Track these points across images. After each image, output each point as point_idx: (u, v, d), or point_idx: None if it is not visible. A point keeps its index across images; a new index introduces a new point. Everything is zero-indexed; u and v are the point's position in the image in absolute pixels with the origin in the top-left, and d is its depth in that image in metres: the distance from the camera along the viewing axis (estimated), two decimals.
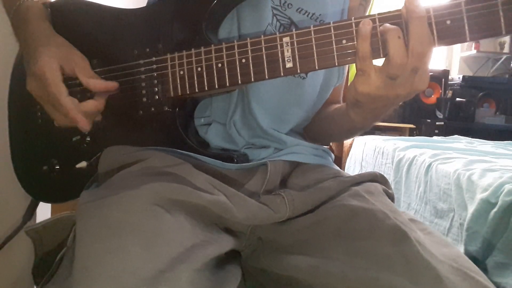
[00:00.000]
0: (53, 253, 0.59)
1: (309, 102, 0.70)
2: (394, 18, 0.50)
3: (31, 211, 0.79)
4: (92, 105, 0.60)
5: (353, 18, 0.52)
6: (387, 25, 0.49)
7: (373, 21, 0.50)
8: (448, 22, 0.48)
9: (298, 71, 0.55)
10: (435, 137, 2.30)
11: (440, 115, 3.27)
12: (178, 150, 0.62)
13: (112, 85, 0.61)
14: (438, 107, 3.30)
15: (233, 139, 0.66)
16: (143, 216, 0.45)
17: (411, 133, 3.17)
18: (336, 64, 0.53)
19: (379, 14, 0.51)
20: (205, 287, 0.42)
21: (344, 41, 0.52)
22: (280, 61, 0.55)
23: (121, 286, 0.38)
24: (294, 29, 0.55)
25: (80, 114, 0.58)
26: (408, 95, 0.51)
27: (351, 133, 0.74)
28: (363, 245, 0.51)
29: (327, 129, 0.74)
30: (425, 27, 0.47)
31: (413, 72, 0.48)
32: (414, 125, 3.20)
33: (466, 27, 0.47)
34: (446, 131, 2.91)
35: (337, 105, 0.74)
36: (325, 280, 0.50)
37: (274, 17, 0.65)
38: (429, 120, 3.16)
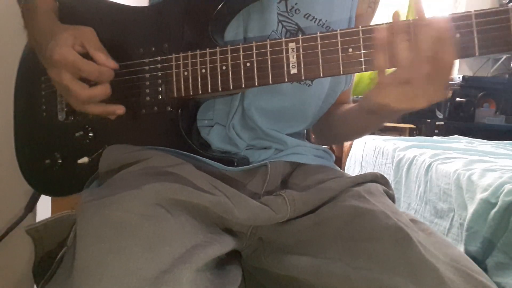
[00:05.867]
0: (54, 252, 0.59)
1: (313, 109, 0.70)
2: (405, 26, 0.49)
3: (32, 202, 0.81)
4: (100, 90, 0.60)
5: (360, 26, 0.51)
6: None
7: (383, 29, 0.50)
8: (458, 35, 0.47)
9: (303, 77, 0.54)
10: (435, 137, 2.30)
11: (440, 115, 3.26)
12: (179, 151, 0.61)
13: (113, 63, 0.60)
14: (438, 107, 3.29)
15: (233, 142, 0.66)
16: (144, 216, 0.45)
17: (411, 133, 3.17)
18: (341, 73, 0.52)
19: (387, 23, 0.50)
20: (206, 287, 0.42)
21: (350, 50, 0.51)
22: (285, 66, 0.54)
23: (122, 286, 0.38)
24: (300, 35, 0.54)
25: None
26: (427, 104, 0.50)
27: (366, 132, 0.75)
28: (364, 246, 0.51)
29: (340, 130, 0.74)
30: (431, 33, 0.46)
31: (427, 78, 0.47)
32: (414, 125, 3.19)
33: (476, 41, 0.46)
34: (446, 131, 2.90)
35: (348, 106, 0.73)
36: (327, 281, 0.50)
37: (280, 24, 0.65)
38: (429, 120, 3.16)
